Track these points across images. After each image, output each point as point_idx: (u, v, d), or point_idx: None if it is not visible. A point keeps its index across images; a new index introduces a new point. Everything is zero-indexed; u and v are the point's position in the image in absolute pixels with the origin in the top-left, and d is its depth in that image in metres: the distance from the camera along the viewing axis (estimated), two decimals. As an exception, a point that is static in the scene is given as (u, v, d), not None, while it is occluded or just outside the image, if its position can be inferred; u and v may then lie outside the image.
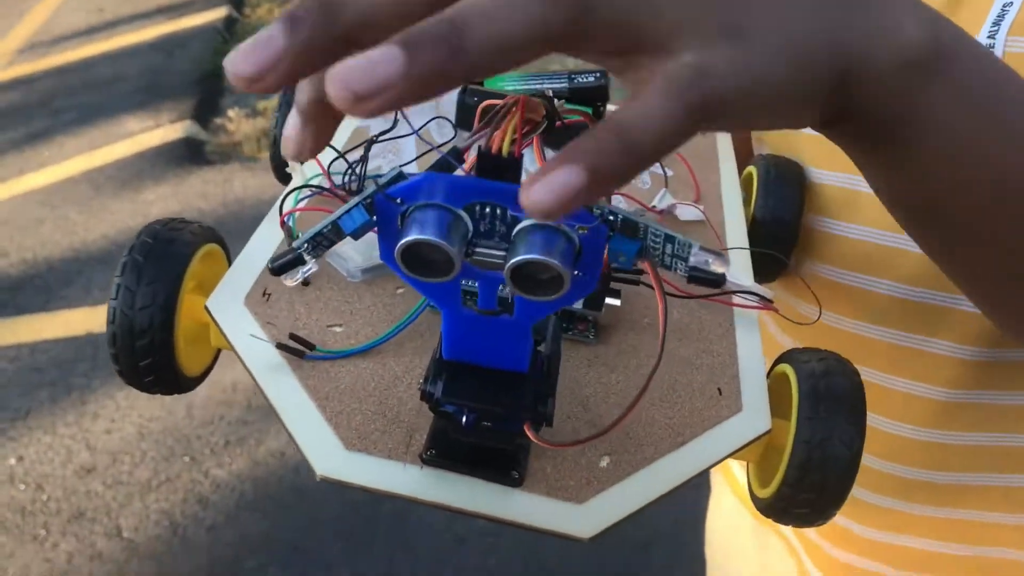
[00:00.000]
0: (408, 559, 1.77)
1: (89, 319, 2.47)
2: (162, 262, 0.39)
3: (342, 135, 0.54)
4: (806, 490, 0.36)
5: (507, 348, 0.32)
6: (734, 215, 0.52)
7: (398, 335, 0.40)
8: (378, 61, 0.20)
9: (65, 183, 3.18)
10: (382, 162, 0.50)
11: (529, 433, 0.33)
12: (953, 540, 0.59)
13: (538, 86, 0.51)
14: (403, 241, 0.27)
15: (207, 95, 3.86)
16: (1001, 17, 0.45)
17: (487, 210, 0.28)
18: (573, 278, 0.27)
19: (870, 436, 0.54)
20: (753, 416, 0.39)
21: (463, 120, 0.49)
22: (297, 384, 0.37)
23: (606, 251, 0.29)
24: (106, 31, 4.45)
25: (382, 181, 0.28)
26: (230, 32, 4.49)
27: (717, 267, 0.30)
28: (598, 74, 0.52)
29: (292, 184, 0.47)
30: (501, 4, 0.21)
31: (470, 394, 0.32)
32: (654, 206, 0.52)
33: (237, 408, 2.14)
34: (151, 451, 2.03)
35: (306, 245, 0.31)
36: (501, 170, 0.29)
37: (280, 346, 0.38)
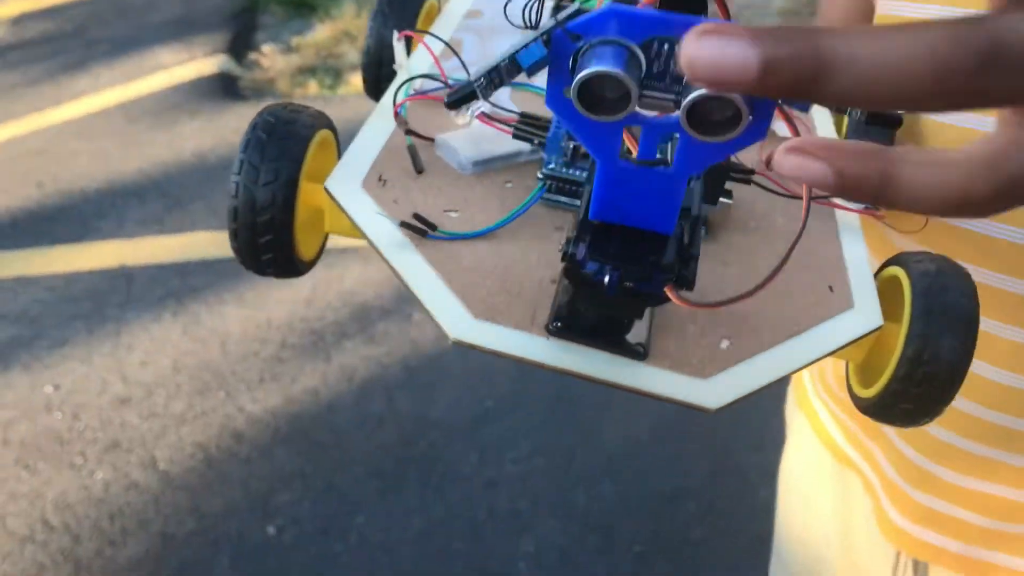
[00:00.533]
0: (440, 500, 1.78)
1: (123, 251, 2.48)
2: (285, 141, 0.40)
3: (449, 24, 0.54)
4: (916, 384, 0.36)
5: (658, 205, 0.32)
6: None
7: (512, 223, 0.41)
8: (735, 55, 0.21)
9: (100, 114, 3.17)
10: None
11: (671, 295, 0.33)
12: None
13: None
14: (584, 72, 0.26)
15: (241, 29, 3.83)
16: None
17: (664, 47, 0.27)
18: (747, 122, 0.27)
19: (971, 383, 0.53)
20: (865, 312, 0.40)
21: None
22: (422, 260, 0.38)
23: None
24: (140, -38, 4.41)
25: (561, 16, 0.28)
26: (265, -34, 4.43)
27: None
28: None
29: (399, 79, 0.47)
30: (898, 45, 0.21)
31: (614, 252, 0.33)
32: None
33: (272, 345, 2.14)
34: (186, 384, 2.05)
35: (482, 80, 0.31)
36: (687, 3, 0.28)
37: (404, 224, 0.39)
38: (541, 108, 0.46)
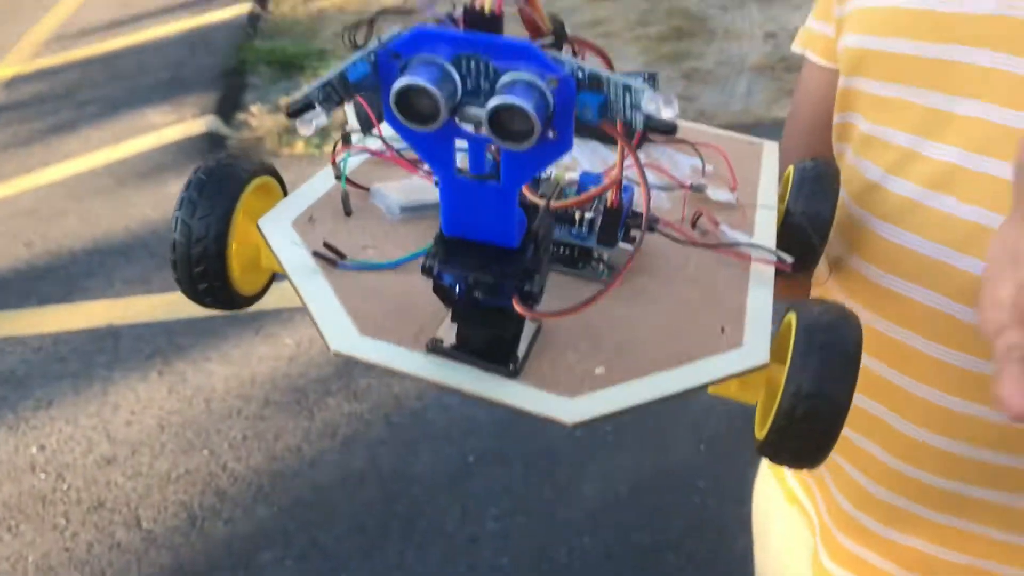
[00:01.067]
0: (423, 557, 1.79)
1: (110, 311, 2.50)
2: (222, 182, 0.44)
3: None
4: (798, 421, 0.37)
5: (497, 219, 0.35)
6: (768, 208, 0.54)
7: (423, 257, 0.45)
8: None
9: (89, 175, 3.22)
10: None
11: (517, 306, 0.36)
12: (953, 548, 0.61)
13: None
14: (396, 85, 0.30)
15: (230, 90, 3.90)
16: None
17: (472, 65, 0.31)
18: (548, 136, 0.30)
19: (889, 435, 0.56)
20: (752, 350, 0.40)
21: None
22: (325, 282, 0.42)
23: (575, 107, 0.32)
24: (131, 24, 4.49)
25: (384, 38, 0.32)
26: (254, 27, 4.52)
27: (667, 113, 0.31)
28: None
29: (353, 140, 0.53)
30: None
31: (462, 263, 0.36)
32: (688, 183, 0.55)
33: (255, 403, 2.16)
34: (170, 443, 2.06)
35: (316, 92, 0.34)
36: (485, 26, 0.32)
37: (315, 253, 0.43)
38: None
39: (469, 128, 0.33)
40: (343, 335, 0.39)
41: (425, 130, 0.31)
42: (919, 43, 0.55)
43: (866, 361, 0.48)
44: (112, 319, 2.47)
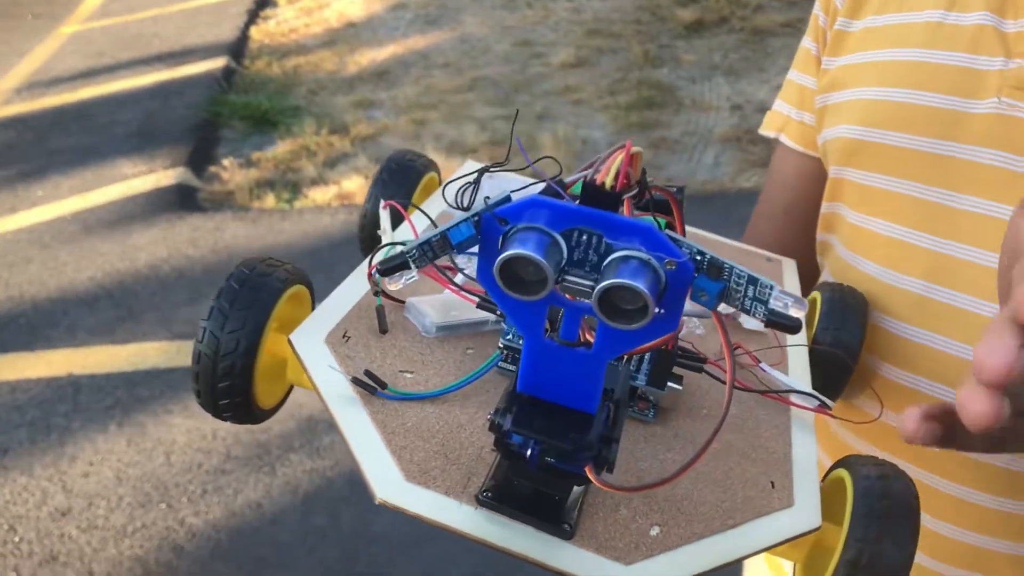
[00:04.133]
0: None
1: (72, 360, 2.47)
2: (256, 292, 0.42)
3: (434, 207, 0.57)
4: None
5: (580, 385, 0.34)
6: (799, 340, 0.53)
7: (465, 387, 0.42)
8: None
9: (56, 222, 3.20)
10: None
11: (591, 474, 0.34)
12: None
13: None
14: (504, 254, 0.29)
15: (202, 143, 3.91)
16: None
17: (583, 238, 0.30)
18: (656, 314, 0.29)
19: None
20: (804, 511, 0.39)
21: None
22: (367, 417, 0.39)
23: (689, 290, 0.31)
24: (104, 75, 4.50)
25: (491, 202, 0.31)
26: (228, 82, 4.55)
27: (795, 311, 0.31)
28: (677, 189, 0.56)
29: (382, 243, 0.50)
30: None
31: (537, 426, 0.34)
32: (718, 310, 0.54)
33: (216, 456, 2.13)
34: (127, 496, 2.03)
35: (414, 251, 0.33)
36: (603, 201, 0.31)
37: (355, 380, 0.41)
38: None
39: (569, 294, 0.32)
40: (388, 481, 0.37)
41: (527, 300, 0.30)
42: (917, 138, 0.56)
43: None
44: (72, 368, 2.44)
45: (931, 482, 0.58)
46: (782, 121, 0.72)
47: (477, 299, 0.45)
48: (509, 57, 4.86)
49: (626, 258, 0.29)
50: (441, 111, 4.23)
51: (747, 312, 0.31)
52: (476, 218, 0.31)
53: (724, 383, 0.44)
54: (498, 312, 0.45)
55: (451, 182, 0.53)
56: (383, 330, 0.45)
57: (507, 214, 0.30)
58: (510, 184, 0.56)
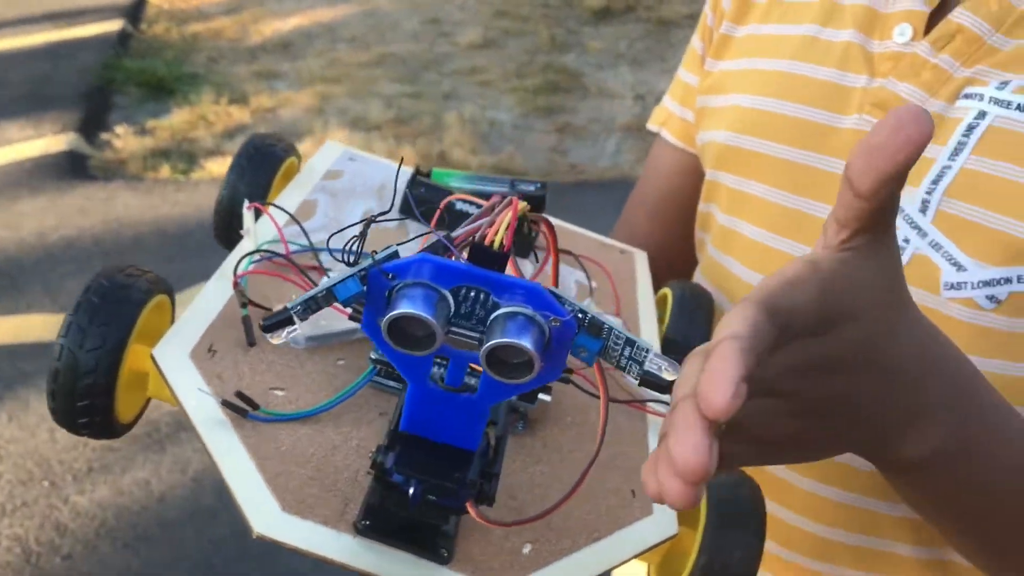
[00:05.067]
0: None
1: (-51, 331, 2.37)
2: (116, 306, 0.40)
3: (291, 201, 0.55)
4: None
5: (463, 426, 0.34)
6: (650, 329, 0.56)
7: (337, 406, 0.41)
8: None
9: (-66, 187, 3.05)
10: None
11: (471, 510, 0.35)
12: None
13: (482, 187, 0.56)
14: (393, 312, 0.29)
15: (94, 108, 3.77)
16: (940, 177, 0.52)
17: (471, 294, 0.31)
18: (540, 367, 0.30)
19: (773, 525, 0.58)
20: (662, 520, 0.41)
21: (407, 208, 0.53)
22: (238, 442, 0.38)
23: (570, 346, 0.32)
24: (-10, 32, 4.30)
25: (378, 257, 0.31)
26: (124, 46, 4.40)
27: (668, 374, 0.33)
28: (539, 184, 0.57)
29: (243, 247, 0.48)
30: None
31: (421, 467, 0.34)
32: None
33: (103, 434, 2.08)
34: (8, 473, 1.96)
35: (299, 307, 0.33)
36: (491, 260, 0.32)
37: (226, 403, 0.39)
38: None
39: (454, 346, 0.32)
40: (265, 513, 0.35)
41: (415, 355, 0.31)
42: (784, 147, 0.59)
43: None
44: (-49, 339, 2.33)
45: (790, 478, 0.61)
46: (665, 116, 0.74)
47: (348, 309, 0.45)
48: (417, 34, 4.82)
49: (512, 314, 0.30)
50: (346, 86, 4.18)
51: (622, 370, 0.33)
52: (363, 273, 0.31)
53: (590, 393, 0.46)
54: None
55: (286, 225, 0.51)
56: (251, 343, 0.43)
57: (395, 270, 0.31)
58: (365, 196, 0.56)
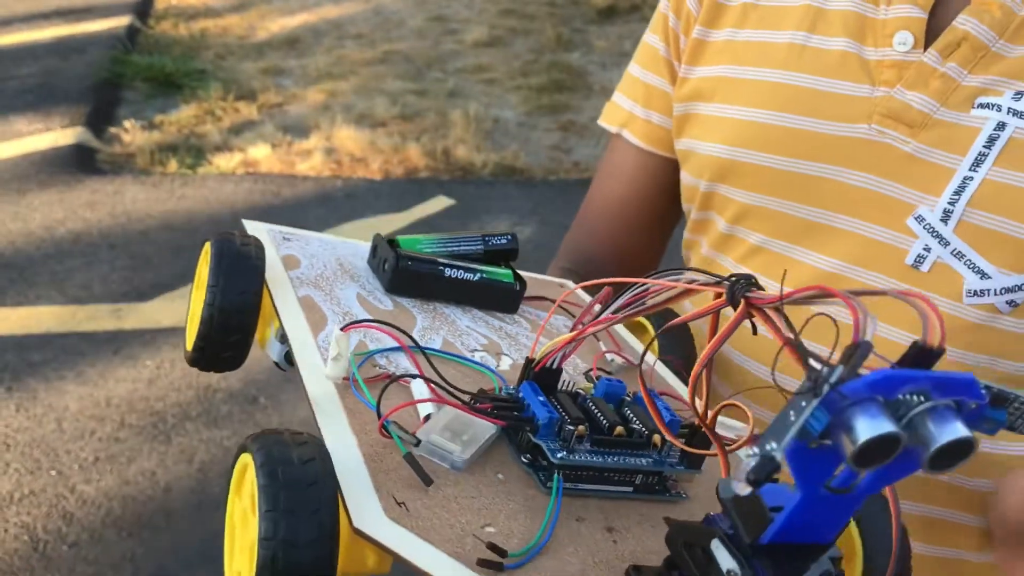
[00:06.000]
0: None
1: (-42, 322, 2.40)
2: (314, 492, 0.34)
3: (293, 307, 0.51)
4: None
5: (833, 522, 0.33)
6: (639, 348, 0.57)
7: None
8: None
9: (-56, 179, 3.08)
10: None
11: None
12: None
13: (455, 247, 0.56)
14: (869, 437, 0.28)
15: (102, 103, 3.80)
16: (962, 188, 0.54)
17: (911, 397, 0.29)
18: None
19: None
20: None
21: (396, 285, 0.52)
22: None
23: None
24: None
25: (833, 379, 0.29)
26: (132, 41, 4.43)
27: None
28: (509, 236, 0.58)
29: (325, 371, 0.44)
30: None
31: (795, 570, 0.33)
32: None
33: (110, 424, 2.11)
34: (15, 462, 1.99)
35: (781, 453, 0.30)
36: (928, 359, 0.30)
37: (482, 563, 0.36)
38: (458, 380, 0.45)
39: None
40: None
41: (871, 469, 0.29)
42: (784, 158, 0.59)
43: None
44: (-40, 330, 2.36)
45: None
46: (625, 117, 0.72)
47: (500, 418, 0.42)
48: (423, 32, 4.85)
49: (934, 408, 0.29)
50: (352, 83, 4.21)
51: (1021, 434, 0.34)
52: (822, 401, 0.29)
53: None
54: (528, 428, 0.42)
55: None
56: (428, 482, 0.39)
57: (852, 391, 0.29)
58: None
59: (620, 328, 0.60)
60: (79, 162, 3.32)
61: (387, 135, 3.68)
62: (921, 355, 0.30)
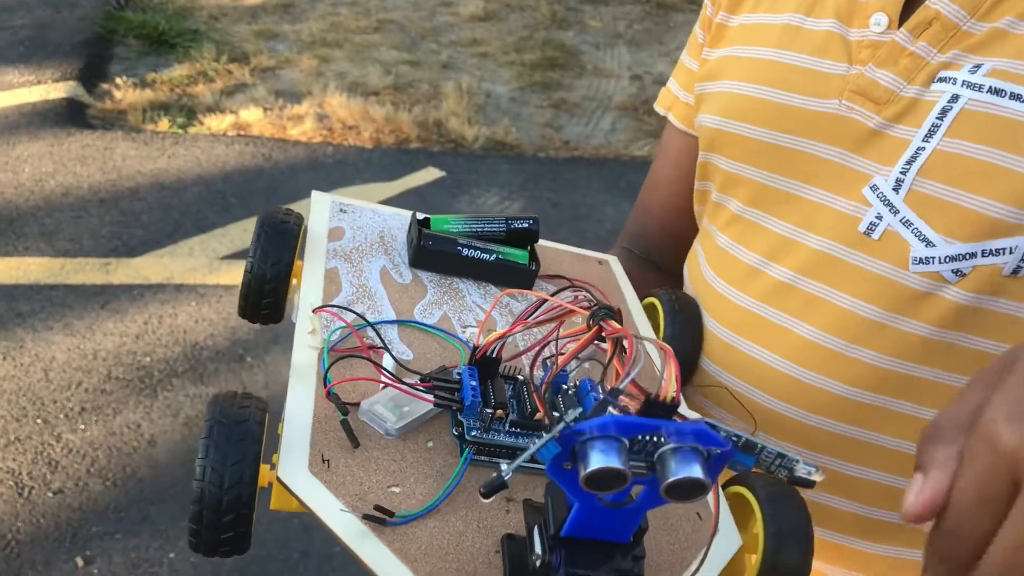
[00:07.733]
0: (256, 539, 1.81)
1: (-55, 269, 2.40)
2: (240, 441, 0.42)
3: (316, 275, 0.57)
4: None
5: (621, 526, 0.39)
6: (648, 335, 0.60)
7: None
8: None
9: (-67, 126, 3.07)
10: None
11: None
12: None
13: (480, 228, 0.62)
14: (592, 468, 0.33)
15: (95, 57, 3.79)
16: (914, 158, 0.56)
17: (647, 438, 0.35)
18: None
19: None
20: (728, 535, 0.46)
21: (418, 260, 0.59)
22: (389, 553, 0.41)
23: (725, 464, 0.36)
24: (-8, -24, 4.29)
25: (569, 419, 0.35)
26: (125, -2, 4.40)
27: (816, 477, 0.41)
28: (531, 220, 0.62)
29: (304, 345, 0.50)
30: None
31: (588, 563, 0.38)
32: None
33: (96, 376, 2.13)
34: (1, 409, 2.01)
35: (509, 475, 0.36)
36: (663, 411, 0.37)
37: (367, 517, 0.41)
38: (430, 352, 0.53)
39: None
40: None
41: (606, 495, 0.34)
42: (766, 130, 0.63)
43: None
44: (-52, 277, 2.37)
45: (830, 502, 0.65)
46: (671, 100, 0.78)
47: (431, 396, 0.48)
48: (418, 3, 4.84)
49: (676, 449, 0.34)
50: (346, 50, 4.20)
51: (772, 474, 0.40)
52: (558, 436, 0.34)
53: None
54: (454, 407, 0.47)
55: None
56: (356, 444, 0.45)
57: (585, 429, 0.34)
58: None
59: (636, 310, 0.64)
60: (70, 116, 3.31)
61: (379, 104, 3.69)
62: (656, 406, 0.37)
